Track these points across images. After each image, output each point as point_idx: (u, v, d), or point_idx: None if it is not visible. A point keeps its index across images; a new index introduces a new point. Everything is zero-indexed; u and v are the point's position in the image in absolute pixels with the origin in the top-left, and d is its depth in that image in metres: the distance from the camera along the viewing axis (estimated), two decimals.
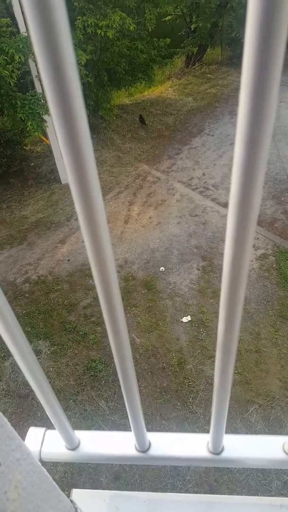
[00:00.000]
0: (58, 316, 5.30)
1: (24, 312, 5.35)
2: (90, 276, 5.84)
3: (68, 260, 6.18)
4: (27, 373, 0.51)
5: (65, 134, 0.27)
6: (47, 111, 6.04)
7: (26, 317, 5.26)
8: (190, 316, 5.18)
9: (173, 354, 4.74)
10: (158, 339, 4.94)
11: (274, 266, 5.76)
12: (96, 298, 5.52)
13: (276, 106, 0.27)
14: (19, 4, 6.09)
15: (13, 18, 6.75)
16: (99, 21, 6.73)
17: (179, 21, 11.96)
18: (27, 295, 5.64)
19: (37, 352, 4.85)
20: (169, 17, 10.91)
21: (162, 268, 5.89)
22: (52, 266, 6.10)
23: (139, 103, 11.17)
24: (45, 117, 6.11)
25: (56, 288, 5.71)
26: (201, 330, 5.02)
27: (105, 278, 0.38)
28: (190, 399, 4.28)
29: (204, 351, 4.76)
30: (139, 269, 5.91)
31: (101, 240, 0.34)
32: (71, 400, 4.34)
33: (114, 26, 6.72)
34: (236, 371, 4.50)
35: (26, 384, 4.44)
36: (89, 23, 6.73)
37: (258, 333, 4.91)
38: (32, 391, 3.60)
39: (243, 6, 9.84)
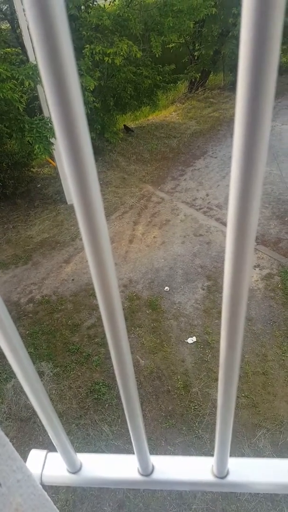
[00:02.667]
0: (61, 336, 5.26)
1: (27, 332, 5.32)
2: (95, 296, 5.81)
3: (73, 279, 6.19)
4: (30, 394, 0.51)
5: (70, 157, 0.28)
6: (54, 134, 6.19)
7: (29, 338, 5.23)
8: (196, 337, 5.11)
9: (178, 377, 4.66)
10: (163, 360, 4.87)
11: (279, 286, 5.72)
12: (100, 318, 5.49)
13: (270, 128, 0.28)
14: (29, 34, 6.34)
15: (23, 47, 7.04)
16: (107, 49, 6.98)
17: (182, 49, 12.37)
18: (30, 315, 5.62)
19: (40, 374, 4.79)
20: (173, 45, 11.28)
21: (166, 288, 5.87)
22: (56, 285, 6.11)
23: (144, 126, 11.42)
24: (52, 140, 6.26)
25: (60, 308, 5.70)
26: (206, 351, 4.95)
27: (108, 298, 0.38)
28: (196, 424, 4.18)
29: (210, 373, 4.67)
30: (143, 289, 5.89)
31: (105, 262, 0.35)
32: (74, 424, 4.25)
33: (122, 53, 6.96)
34: (243, 394, 4.40)
35: (28, 407, 4.36)
36: (96, 51, 6.97)
37: (265, 354, 4.83)
38: (34, 414, 3.53)
39: None
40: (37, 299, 5.88)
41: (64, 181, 7.76)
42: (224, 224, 7.14)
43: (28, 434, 4.17)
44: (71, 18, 7.69)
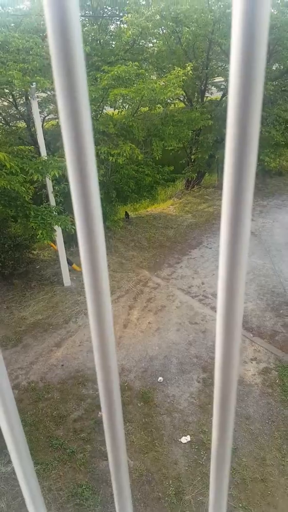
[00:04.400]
0: (45, 429, 4.86)
1: None
2: (83, 384, 5.54)
3: (62, 365, 5.94)
4: None
5: (84, 234, 0.35)
6: (57, 222, 6.52)
7: None
8: (190, 436, 4.75)
9: (170, 482, 4.21)
10: (153, 462, 4.45)
11: (277, 381, 5.50)
12: (87, 411, 5.15)
13: (250, 223, 0.37)
14: (42, 132, 7.10)
15: (35, 143, 7.81)
16: (111, 149, 7.74)
17: (181, 152, 13.72)
18: None
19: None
20: (172, 149, 12.54)
21: (160, 379, 5.62)
22: (44, 371, 5.84)
23: (142, 217, 12.09)
24: (55, 227, 6.56)
25: (46, 396, 5.37)
26: (201, 453, 4.55)
27: (108, 383, 0.40)
28: None
29: (204, 478, 4.24)
30: (136, 378, 5.63)
31: (107, 346, 0.38)
32: None
33: (125, 155, 7.69)
34: (240, 505, 3.94)
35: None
36: (102, 151, 7.72)
37: (264, 458, 4.44)
38: None
39: None
40: (22, 385, 5.57)
41: (63, 264, 7.93)
42: None
43: None
44: None
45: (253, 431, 4.79)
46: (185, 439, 4.73)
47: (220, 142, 12.40)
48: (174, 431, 4.83)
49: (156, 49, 10.31)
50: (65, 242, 7.87)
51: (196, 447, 4.62)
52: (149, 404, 5.21)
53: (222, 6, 9.51)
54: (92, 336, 0.37)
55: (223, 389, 0.41)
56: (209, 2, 10.03)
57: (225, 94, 13.02)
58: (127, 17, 9.59)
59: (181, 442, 4.69)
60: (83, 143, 0.33)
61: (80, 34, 0.32)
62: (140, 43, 11.18)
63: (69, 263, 8.39)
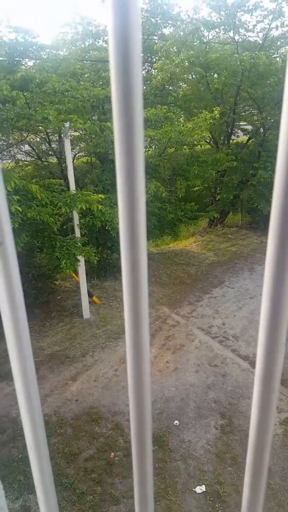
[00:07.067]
0: (55, 466, 4.69)
1: (20, 456, 4.78)
2: (97, 421, 5.38)
3: (77, 400, 5.81)
4: None
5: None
6: (81, 252, 6.64)
7: (21, 463, 4.67)
8: (205, 486, 4.46)
9: None
10: (165, 511, 4.17)
11: None
12: (100, 450, 4.96)
13: None
14: (72, 169, 7.40)
15: (65, 178, 8.13)
16: None
17: (205, 191, 13.93)
18: None
19: (26, 509, 4.13)
20: (196, 188, 12.76)
21: (176, 422, 5.39)
22: (58, 405, 5.72)
23: (164, 253, 12.14)
24: (79, 257, 6.68)
25: (58, 431, 5.22)
26: (216, 505, 4.25)
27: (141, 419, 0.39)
28: None
29: None
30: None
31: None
32: None
33: (149, 192, 7.88)
34: None
35: None
36: None
37: None
38: None
39: (261, 183, 11.50)
40: None
41: (84, 296, 7.97)
42: (241, 357, 6.89)
43: None
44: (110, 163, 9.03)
45: (273, 486, 4.46)
46: (199, 489, 4.44)
47: (245, 183, 12.54)
48: (189, 479, 4.55)
49: (182, 93, 10.80)
50: (86, 274, 7.95)
51: (211, 498, 4.32)
52: (163, 448, 4.97)
53: (249, 55, 9.96)
54: (128, 371, 0.36)
55: (256, 451, 0.39)
56: (238, 51, 10.54)
57: (251, 137, 13.33)
58: (157, 63, 10.17)
59: (195, 491, 4.40)
60: (134, 179, 0.35)
61: (141, 80, 0.34)
62: (170, 90, 11.76)
63: (90, 295, 8.43)
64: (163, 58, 10.34)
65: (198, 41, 10.99)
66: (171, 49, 10.38)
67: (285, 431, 5.19)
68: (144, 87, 11.31)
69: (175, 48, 10.33)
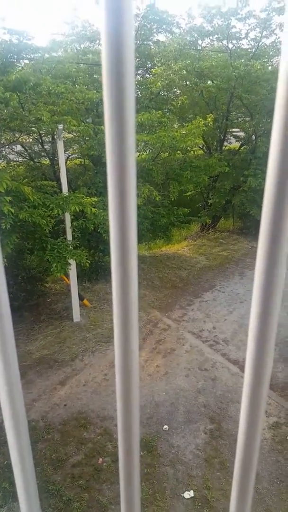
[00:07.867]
0: (42, 473, 4.63)
1: (5, 463, 4.71)
2: (85, 427, 5.33)
3: (65, 405, 5.76)
4: None
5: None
6: (73, 255, 6.60)
7: (6, 470, 4.60)
8: (194, 491, 4.44)
9: None
10: None
11: (287, 438, 5.19)
12: (87, 456, 4.91)
13: (284, 278, 0.36)
14: (65, 170, 7.38)
15: (58, 180, 8.09)
16: None
17: (197, 196, 14.00)
18: None
19: None
20: (189, 193, 12.82)
21: (165, 427, 5.36)
22: (46, 410, 5.65)
23: (156, 256, 12.15)
24: (70, 260, 6.64)
25: (46, 437, 5.16)
26: (204, 511, 4.24)
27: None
28: None
29: None
30: (140, 425, 5.38)
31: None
32: None
33: (143, 196, 7.89)
34: None
35: None
36: None
37: None
38: None
39: (252, 190, 11.60)
40: None
41: (74, 299, 7.91)
42: (230, 361, 6.90)
43: None
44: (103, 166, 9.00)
45: (260, 491, 4.46)
46: (188, 494, 4.42)
47: (236, 188, 12.64)
48: (177, 485, 4.53)
49: (180, 102, 10.87)
50: (78, 277, 7.90)
51: (200, 504, 4.30)
52: (152, 453, 4.94)
53: (243, 62, 10.07)
54: (116, 375, 0.36)
55: (244, 455, 0.38)
56: (232, 59, 10.66)
57: (243, 144, 13.45)
58: (156, 69, 10.21)
59: (183, 497, 4.38)
60: (126, 182, 0.34)
61: (133, 84, 0.34)
62: (164, 95, 11.81)
63: (80, 298, 8.38)
64: (159, 65, 10.41)
65: (193, 49, 11.10)
66: (169, 54, 10.47)
67: (273, 436, 5.21)
68: (140, 92, 11.35)
69: (173, 56, 10.43)
